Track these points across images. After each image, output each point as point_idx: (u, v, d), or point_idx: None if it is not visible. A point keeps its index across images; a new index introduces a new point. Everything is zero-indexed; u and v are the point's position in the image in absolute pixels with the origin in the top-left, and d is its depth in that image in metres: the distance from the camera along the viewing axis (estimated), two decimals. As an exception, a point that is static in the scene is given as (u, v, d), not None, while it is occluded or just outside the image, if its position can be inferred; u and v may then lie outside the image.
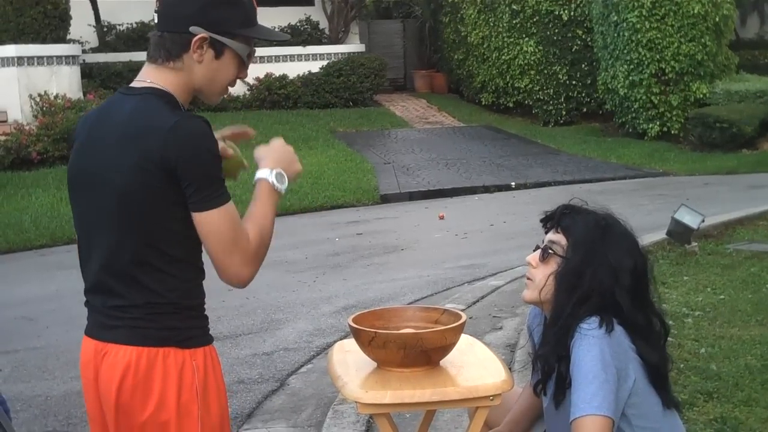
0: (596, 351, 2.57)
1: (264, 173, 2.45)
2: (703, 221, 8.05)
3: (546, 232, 2.85)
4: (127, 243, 2.35)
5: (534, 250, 2.85)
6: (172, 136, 2.27)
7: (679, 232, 8.03)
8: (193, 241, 2.36)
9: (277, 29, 18.56)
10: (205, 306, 2.50)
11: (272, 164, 2.48)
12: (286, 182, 2.47)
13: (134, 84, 2.43)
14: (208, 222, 2.30)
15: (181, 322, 2.40)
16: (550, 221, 2.84)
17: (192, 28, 2.37)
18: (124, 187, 2.32)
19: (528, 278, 2.84)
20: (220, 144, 2.53)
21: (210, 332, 2.51)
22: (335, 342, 6.17)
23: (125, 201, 2.33)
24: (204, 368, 2.41)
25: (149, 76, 2.42)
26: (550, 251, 2.79)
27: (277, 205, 2.46)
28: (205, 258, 2.40)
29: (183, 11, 2.38)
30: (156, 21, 2.47)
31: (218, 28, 2.39)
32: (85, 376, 2.47)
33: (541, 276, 2.79)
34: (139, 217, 2.33)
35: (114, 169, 2.34)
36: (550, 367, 2.72)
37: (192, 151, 2.28)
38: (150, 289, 2.35)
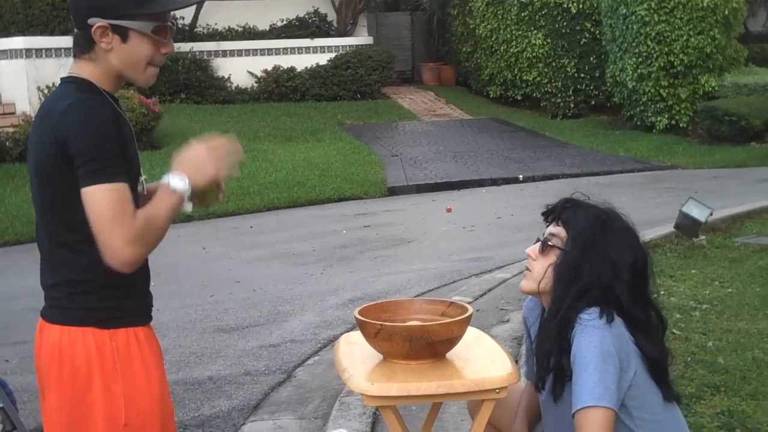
0: (597, 341, 2.57)
1: (165, 177, 2.44)
2: (711, 214, 8.03)
3: (547, 225, 2.86)
4: (47, 223, 2.45)
5: (535, 243, 2.85)
6: (65, 115, 2.33)
7: (687, 226, 8.01)
8: None
9: (284, 22, 18.49)
10: (136, 286, 2.50)
11: (177, 167, 2.45)
12: (187, 186, 2.41)
13: (64, 76, 2.52)
14: (89, 197, 2.30)
15: (100, 303, 2.42)
16: (551, 214, 2.85)
17: (90, 20, 2.41)
18: (36, 168, 2.43)
19: (527, 269, 2.85)
20: None
21: (141, 315, 2.52)
22: (341, 334, 6.17)
23: (39, 182, 2.43)
24: (127, 350, 2.43)
25: (73, 69, 2.50)
26: (549, 243, 2.79)
27: (176, 209, 2.42)
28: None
29: (80, 5, 2.44)
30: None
31: (114, 12, 2.41)
32: (35, 355, 2.54)
33: (540, 268, 2.79)
34: (52, 197, 2.40)
35: (32, 153, 2.45)
36: (550, 358, 2.72)
37: (79, 129, 2.31)
38: (69, 269, 2.42)
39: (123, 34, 2.43)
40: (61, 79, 2.53)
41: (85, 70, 2.47)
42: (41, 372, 2.48)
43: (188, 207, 2.46)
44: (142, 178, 2.57)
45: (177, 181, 2.41)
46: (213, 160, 2.47)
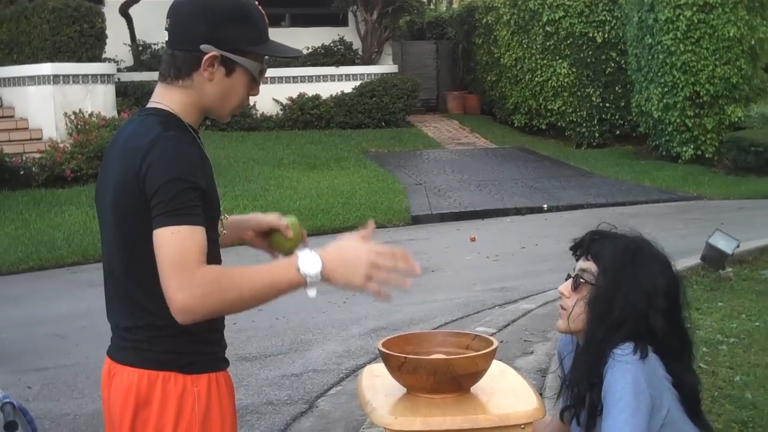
0: (630, 378, 2.52)
1: (303, 254, 2.27)
2: (738, 246, 7.96)
3: (576, 260, 2.81)
4: (126, 264, 2.35)
5: (566, 279, 2.81)
6: (148, 154, 2.24)
7: (714, 258, 7.94)
8: None
9: (310, 49, 18.66)
10: (218, 332, 2.46)
11: (325, 254, 2.28)
12: (316, 274, 2.24)
13: (148, 105, 2.43)
14: (157, 239, 2.21)
15: (182, 347, 2.35)
16: (579, 249, 2.81)
17: (203, 47, 2.34)
18: (114, 206, 2.33)
19: (561, 308, 2.81)
20: (282, 221, 2.60)
21: (222, 359, 2.47)
22: (365, 364, 6.16)
23: (118, 221, 2.33)
24: (207, 396, 2.37)
25: (158, 96, 2.41)
26: (581, 280, 2.75)
27: (287, 289, 2.25)
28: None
29: (193, 29, 2.35)
30: (166, 39, 2.43)
31: (229, 45, 2.35)
32: (102, 395, 2.48)
33: (573, 305, 2.75)
34: (132, 238, 2.30)
35: (110, 189, 2.35)
36: (581, 393, 2.68)
37: (158, 168, 2.22)
38: (149, 312, 2.31)
39: (230, 68, 2.37)
40: (142, 109, 2.44)
41: (173, 98, 2.38)
42: (113, 414, 2.40)
43: (312, 293, 2.27)
44: (222, 217, 2.50)
45: (309, 263, 2.25)
46: (369, 268, 2.26)
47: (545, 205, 14.12)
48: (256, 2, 2.45)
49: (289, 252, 2.56)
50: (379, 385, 2.90)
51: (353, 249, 2.29)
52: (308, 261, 2.25)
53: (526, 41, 20.87)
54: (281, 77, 20.39)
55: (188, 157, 2.27)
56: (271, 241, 2.71)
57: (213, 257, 2.40)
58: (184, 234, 2.20)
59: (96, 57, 17.33)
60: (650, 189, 15.41)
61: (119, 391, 2.37)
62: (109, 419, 2.45)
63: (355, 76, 21.22)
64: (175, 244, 2.19)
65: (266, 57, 2.46)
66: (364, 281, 2.26)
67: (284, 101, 20.42)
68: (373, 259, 2.27)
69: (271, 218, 2.71)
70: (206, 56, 2.34)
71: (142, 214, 2.25)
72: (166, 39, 2.42)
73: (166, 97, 2.39)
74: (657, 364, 2.59)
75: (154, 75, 19.75)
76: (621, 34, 19.35)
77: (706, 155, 17.13)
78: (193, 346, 2.36)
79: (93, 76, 16.40)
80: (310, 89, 20.61)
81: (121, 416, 2.36)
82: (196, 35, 2.34)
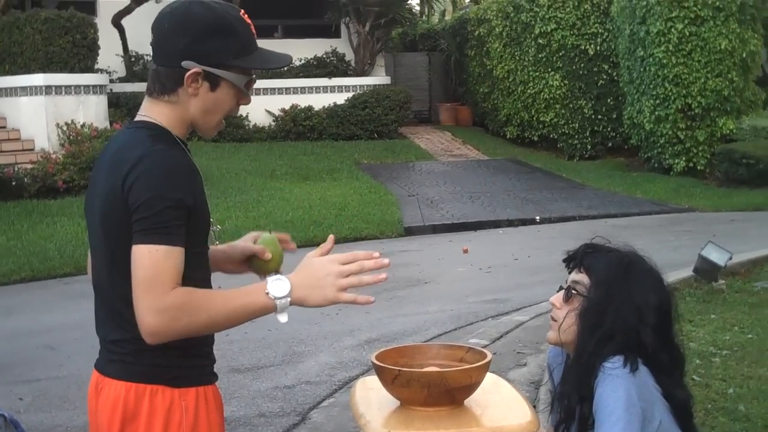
0: (621, 391, 2.52)
1: (273, 279, 2.27)
2: (730, 258, 7.97)
3: (569, 272, 2.82)
4: (113, 277, 2.33)
5: (558, 291, 2.82)
6: (135, 166, 2.22)
7: (706, 270, 7.95)
8: (184, 279, 2.29)
9: (303, 61, 18.63)
10: (208, 346, 2.44)
11: (294, 278, 2.29)
12: (285, 296, 2.24)
13: (136, 118, 2.41)
14: (134, 255, 2.19)
15: (170, 360, 2.33)
16: (572, 261, 2.81)
17: (184, 63, 2.31)
18: (102, 218, 2.32)
19: (552, 319, 2.81)
20: (256, 247, 2.53)
21: (211, 372, 2.45)
22: (357, 376, 6.16)
23: (105, 234, 2.32)
24: (195, 410, 2.36)
25: (145, 110, 2.39)
26: (573, 291, 2.75)
27: (258, 313, 2.24)
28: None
29: (174, 45, 2.32)
30: (151, 54, 2.41)
31: (212, 60, 2.32)
32: (89, 408, 2.47)
33: (564, 316, 2.75)
34: (120, 251, 2.27)
35: (99, 201, 2.34)
36: (572, 406, 2.68)
37: (143, 182, 2.21)
38: (135, 325, 2.23)
39: (214, 82, 2.34)
40: (131, 122, 2.43)
41: (160, 113, 2.36)
42: (100, 428, 2.38)
43: (282, 318, 2.28)
44: (214, 228, 2.48)
45: (278, 287, 2.25)
46: (337, 278, 2.27)
47: (537, 217, 14.14)
48: (242, 12, 2.41)
49: (274, 272, 2.53)
50: (372, 398, 2.89)
51: (317, 266, 2.29)
52: (277, 285, 2.25)
53: (518, 53, 20.91)
54: (274, 88, 20.39)
55: (175, 174, 2.24)
56: (252, 266, 2.65)
57: (203, 269, 2.40)
58: (161, 254, 2.18)
59: (88, 68, 17.29)
60: (642, 201, 15.44)
61: (106, 405, 2.35)
62: None
63: (347, 88, 21.23)
64: (150, 264, 2.17)
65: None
66: (336, 293, 2.27)
67: (277, 112, 20.42)
68: (338, 269, 2.27)
69: (244, 246, 2.63)
70: (188, 73, 2.31)
71: (127, 228, 2.23)
72: (151, 54, 2.41)
73: (153, 111, 2.38)
74: (647, 376, 2.59)
75: (146, 86, 19.79)
76: (613, 47, 19.40)
77: (698, 167, 17.17)
78: (181, 360, 2.34)
79: (85, 86, 16.38)
80: (303, 101, 20.62)
81: (108, 429, 2.35)
82: (177, 51, 2.32)
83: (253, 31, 2.42)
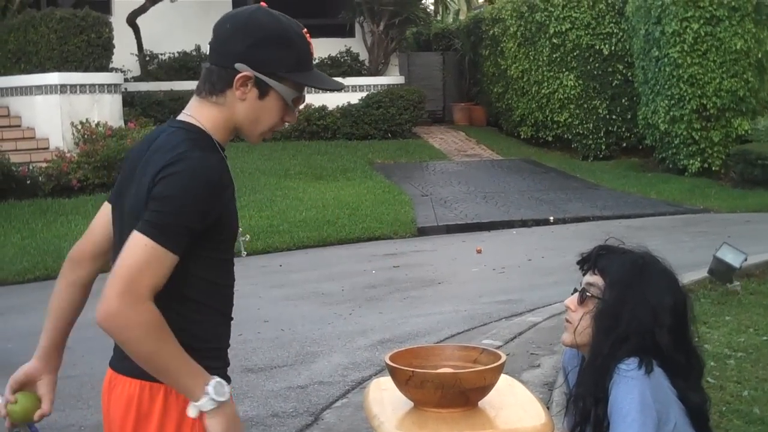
0: (636, 393, 2.52)
1: (221, 382, 2.29)
2: (745, 260, 7.93)
3: (583, 274, 2.81)
4: None
5: (572, 293, 2.80)
6: (167, 165, 2.21)
7: (721, 271, 7.91)
8: (206, 282, 2.30)
9: (317, 60, 18.48)
10: (223, 349, 2.44)
11: (231, 406, 2.33)
12: (212, 403, 2.25)
13: (179, 116, 2.40)
14: (131, 240, 2.18)
15: None
16: (586, 263, 2.80)
17: (237, 65, 2.31)
18: (131, 216, 2.29)
19: (567, 321, 2.80)
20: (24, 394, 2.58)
21: (224, 375, 2.43)
22: (370, 376, 6.15)
23: (128, 232, 2.28)
24: None
25: (190, 110, 2.38)
26: (587, 294, 2.74)
27: (180, 388, 2.26)
28: (239, 304, 2.34)
29: (232, 46, 2.33)
30: (208, 53, 2.42)
31: (266, 68, 2.32)
32: (102, 406, 2.47)
33: (578, 319, 2.74)
34: None
35: (128, 198, 2.33)
36: (587, 409, 2.67)
37: (172, 182, 2.20)
38: None
39: (264, 91, 2.33)
40: (173, 120, 2.41)
41: (205, 114, 2.35)
42: (113, 424, 2.38)
43: (192, 412, 2.27)
44: (243, 238, 2.47)
45: (219, 390, 2.27)
46: None
47: (551, 218, 14.10)
48: (305, 30, 2.40)
49: (19, 422, 2.55)
50: (386, 399, 2.89)
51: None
52: (219, 389, 2.26)
53: (532, 53, 20.87)
54: (288, 88, 20.37)
55: (205, 186, 2.22)
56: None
57: (232, 276, 2.42)
58: (156, 253, 2.17)
59: (103, 67, 17.34)
60: (657, 202, 15.38)
61: (120, 403, 2.35)
62: (109, 430, 2.44)
63: (361, 87, 21.23)
64: (142, 258, 2.16)
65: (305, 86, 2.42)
66: None
67: (290, 112, 20.44)
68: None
69: (29, 369, 2.76)
70: (239, 75, 2.31)
71: None
72: (208, 53, 2.41)
73: (198, 112, 2.36)
74: (662, 378, 2.58)
75: (161, 85, 19.91)
76: (628, 47, 19.35)
77: (713, 168, 17.10)
78: (196, 360, 2.32)
79: (100, 85, 16.43)
80: (317, 100, 20.63)
81: (121, 427, 2.35)
82: (233, 52, 2.32)
83: (312, 51, 2.42)
